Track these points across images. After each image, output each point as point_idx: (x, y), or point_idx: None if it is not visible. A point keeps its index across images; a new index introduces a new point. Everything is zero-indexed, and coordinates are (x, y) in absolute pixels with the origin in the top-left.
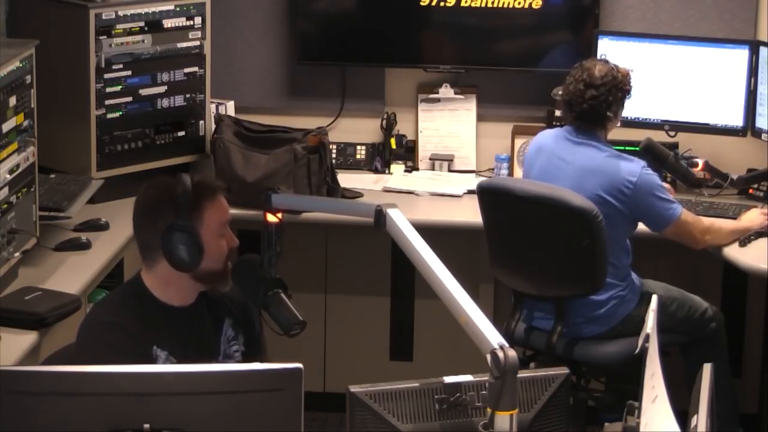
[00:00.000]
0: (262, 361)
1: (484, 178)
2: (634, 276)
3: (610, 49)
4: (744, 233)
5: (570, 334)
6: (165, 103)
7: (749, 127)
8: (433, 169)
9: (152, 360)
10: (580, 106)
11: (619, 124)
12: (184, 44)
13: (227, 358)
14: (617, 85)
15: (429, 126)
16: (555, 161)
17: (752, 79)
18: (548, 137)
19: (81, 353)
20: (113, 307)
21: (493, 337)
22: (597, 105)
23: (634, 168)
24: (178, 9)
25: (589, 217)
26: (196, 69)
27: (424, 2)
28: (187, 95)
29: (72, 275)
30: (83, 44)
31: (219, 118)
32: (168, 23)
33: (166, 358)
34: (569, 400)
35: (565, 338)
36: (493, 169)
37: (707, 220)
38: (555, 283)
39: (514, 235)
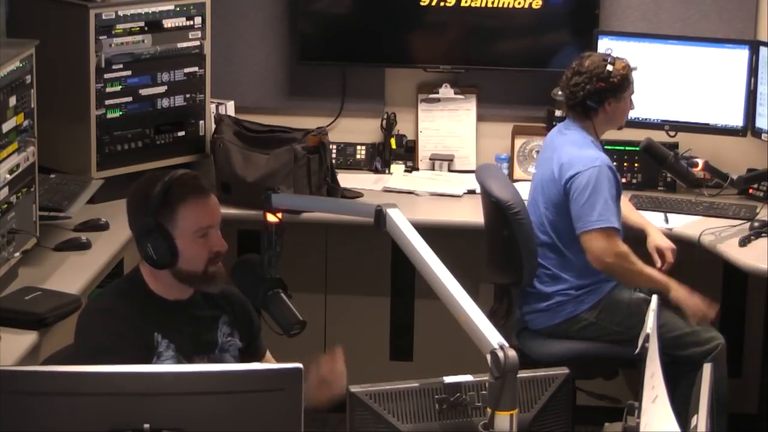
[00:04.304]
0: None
1: None
2: (603, 282)
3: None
4: (662, 286)
5: (521, 324)
6: (165, 103)
7: (749, 127)
8: (433, 169)
9: (153, 347)
10: (564, 91)
11: (620, 124)
12: (184, 44)
13: (223, 352)
14: (599, 75)
15: (429, 126)
16: (540, 155)
17: (752, 79)
18: (551, 133)
19: (80, 343)
20: (111, 296)
21: (493, 337)
22: (576, 91)
23: (585, 161)
24: (178, 9)
25: (504, 207)
26: (196, 69)
27: (424, 2)
28: (187, 95)
29: (72, 275)
30: (83, 44)
31: (219, 118)
32: (168, 23)
33: (167, 346)
34: (570, 400)
35: (517, 328)
36: None
37: (628, 256)
38: (492, 271)
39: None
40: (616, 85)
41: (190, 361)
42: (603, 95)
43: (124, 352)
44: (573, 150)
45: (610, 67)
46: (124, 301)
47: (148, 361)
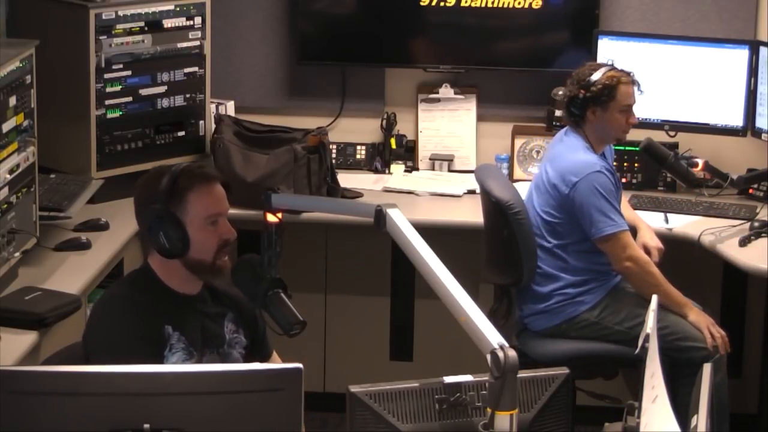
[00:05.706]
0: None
1: None
2: (601, 281)
3: (610, 49)
4: (677, 306)
5: (521, 325)
6: (165, 103)
7: (749, 127)
8: (433, 169)
9: (164, 339)
10: (562, 98)
11: (616, 137)
12: (184, 44)
13: (231, 348)
14: (580, 82)
15: (429, 126)
16: (543, 158)
17: (752, 79)
18: (555, 137)
19: (95, 329)
20: (128, 286)
21: (493, 337)
22: (567, 98)
23: (583, 167)
24: (178, 9)
25: (504, 207)
26: (196, 69)
27: (424, 2)
28: (187, 95)
29: (72, 275)
30: (83, 44)
31: (219, 118)
32: (168, 23)
33: (178, 338)
34: (570, 400)
35: (517, 328)
36: None
37: (646, 265)
38: (491, 271)
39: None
40: (596, 95)
41: (200, 354)
42: (584, 103)
43: (137, 343)
44: (569, 157)
45: (594, 76)
46: (139, 291)
47: (160, 353)
